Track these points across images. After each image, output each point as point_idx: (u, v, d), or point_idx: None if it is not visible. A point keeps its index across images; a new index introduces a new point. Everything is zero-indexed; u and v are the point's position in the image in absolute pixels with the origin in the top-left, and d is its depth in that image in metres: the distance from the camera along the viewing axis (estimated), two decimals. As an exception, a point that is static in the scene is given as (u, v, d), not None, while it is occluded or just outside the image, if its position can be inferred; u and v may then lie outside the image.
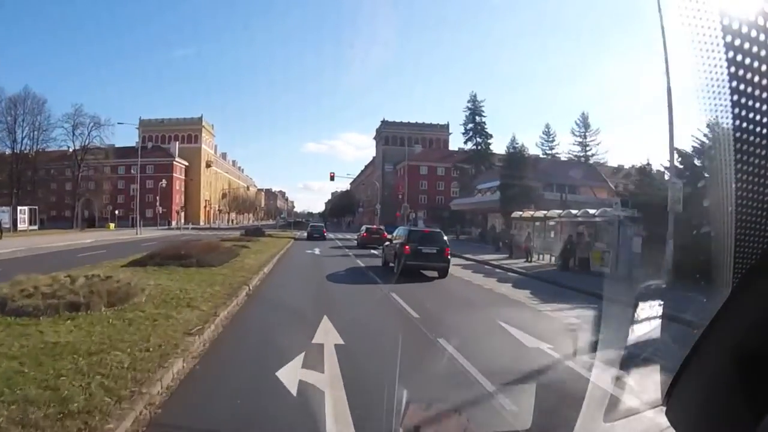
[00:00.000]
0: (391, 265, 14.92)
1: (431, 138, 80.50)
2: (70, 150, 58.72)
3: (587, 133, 50.41)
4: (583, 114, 50.66)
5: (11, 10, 78.04)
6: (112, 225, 55.65)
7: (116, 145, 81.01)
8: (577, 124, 50.38)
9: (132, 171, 73.02)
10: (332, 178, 43.43)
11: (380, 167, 79.71)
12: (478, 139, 50.78)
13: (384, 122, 79.89)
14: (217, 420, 3.62)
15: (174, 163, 75.52)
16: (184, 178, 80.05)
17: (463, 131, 51.31)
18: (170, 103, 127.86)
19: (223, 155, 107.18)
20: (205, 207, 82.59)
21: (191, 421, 3.69)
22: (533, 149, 45.22)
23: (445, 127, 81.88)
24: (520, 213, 22.72)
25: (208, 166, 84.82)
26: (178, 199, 78.03)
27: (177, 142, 79.41)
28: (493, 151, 50.93)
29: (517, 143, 31.54)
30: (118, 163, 74.94)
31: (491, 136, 50.88)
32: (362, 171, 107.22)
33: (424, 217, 54.20)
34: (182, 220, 78.99)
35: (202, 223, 79.87)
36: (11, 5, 75.53)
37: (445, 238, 14.34)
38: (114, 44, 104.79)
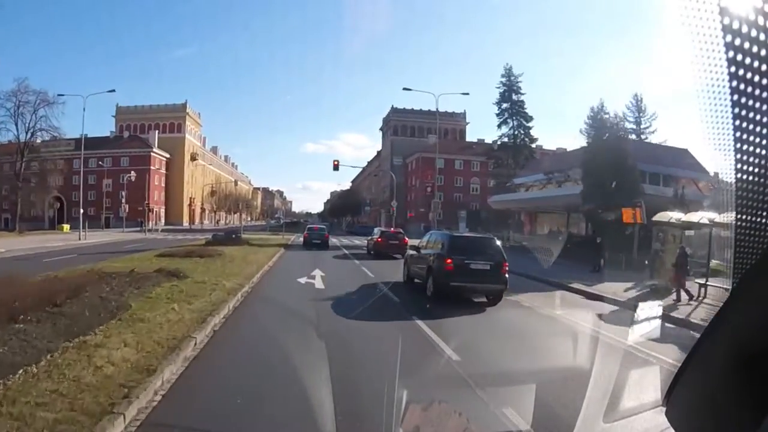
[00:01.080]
0: (417, 281, 11.39)
1: (446, 128, 70.90)
2: (34, 140, 48.84)
3: (641, 118, 40.95)
4: (636, 96, 41.14)
5: (11, 10, 74.52)
6: (66, 227, 46.17)
7: (88, 135, 72.18)
8: (629, 108, 40.83)
9: (102, 164, 64.03)
10: (336, 167, 33.91)
11: (388, 160, 70.15)
12: (514, 122, 41.23)
13: (393, 109, 70.28)
14: None
15: (152, 154, 65.79)
16: (164, 172, 70.39)
17: (497, 111, 41.76)
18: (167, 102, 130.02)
19: (214, 149, 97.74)
20: (190, 205, 72.76)
21: None
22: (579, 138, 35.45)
23: (461, 116, 72.40)
24: (680, 217, 13.11)
25: (194, 159, 75.06)
26: (157, 196, 68.36)
27: (156, 132, 69.75)
28: (534, 136, 41.50)
29: (606, 111, 21.93)
30: (89, 155, 65.45)
31: (532, 118, 41.33)
32: (364, 168, 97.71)
33: (464, 217, 44.60)
34: (160, 220, 69.40)
35: (185, 224, 70.35)
36: (11, 4, 71.06)
37: (499, 245, 10.43)
38: (114, 43, 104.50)
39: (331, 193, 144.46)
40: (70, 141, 74.58)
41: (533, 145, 43.21)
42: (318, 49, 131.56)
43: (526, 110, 41.19)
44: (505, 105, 41.42)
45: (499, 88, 41.62)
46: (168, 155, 70.52)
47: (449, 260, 9.48)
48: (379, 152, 78.99)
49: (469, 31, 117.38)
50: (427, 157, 61.99)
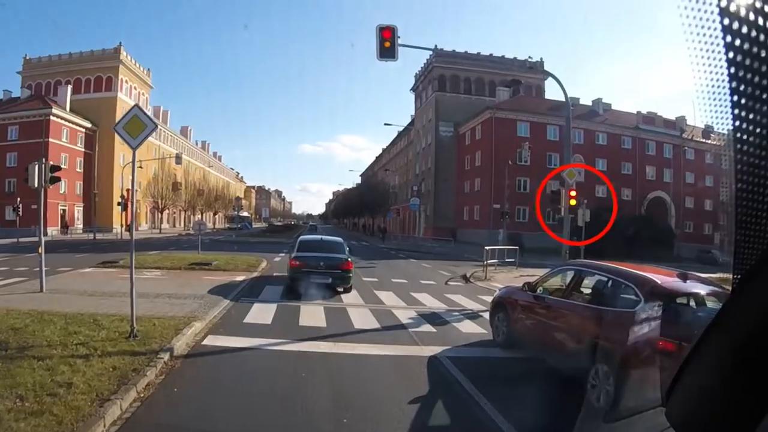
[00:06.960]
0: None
1: (517, 81, 46.45)
2: None
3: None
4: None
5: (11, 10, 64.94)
6: None
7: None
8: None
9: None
10: (388, 44, 9.77)
11: (431, 130, 45.52)
12: None
13: (437, 53, 45.52)
14: None
15: (51, 119, 40.92)
16: (83, 149, 45.78)
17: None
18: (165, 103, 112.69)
19: (184, 131, 73.11)
20: (125, 200, 47.96)
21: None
22: None
23: (537, 65, 47.99)
24: None
25: (135, 133, 50.26)
26: (65, 187, 43.70)
27: (69, 87, 45.18)
28: None
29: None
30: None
31: None
32: (380, 155, 73.57)
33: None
34: (75, 224, 44.74)
35: (116, 229, 45.26)
36: (11, 5, 61.09)
37: None
38: (112, 44, 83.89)
39: (334, 193, 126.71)
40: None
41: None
42: (316, 50, 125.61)
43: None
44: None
45: None
46: (90, 125, 45.94)
47: None
48: (405, 128, 54.19)
49: (470, 31, 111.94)
50: (503, 118, 37.28)
